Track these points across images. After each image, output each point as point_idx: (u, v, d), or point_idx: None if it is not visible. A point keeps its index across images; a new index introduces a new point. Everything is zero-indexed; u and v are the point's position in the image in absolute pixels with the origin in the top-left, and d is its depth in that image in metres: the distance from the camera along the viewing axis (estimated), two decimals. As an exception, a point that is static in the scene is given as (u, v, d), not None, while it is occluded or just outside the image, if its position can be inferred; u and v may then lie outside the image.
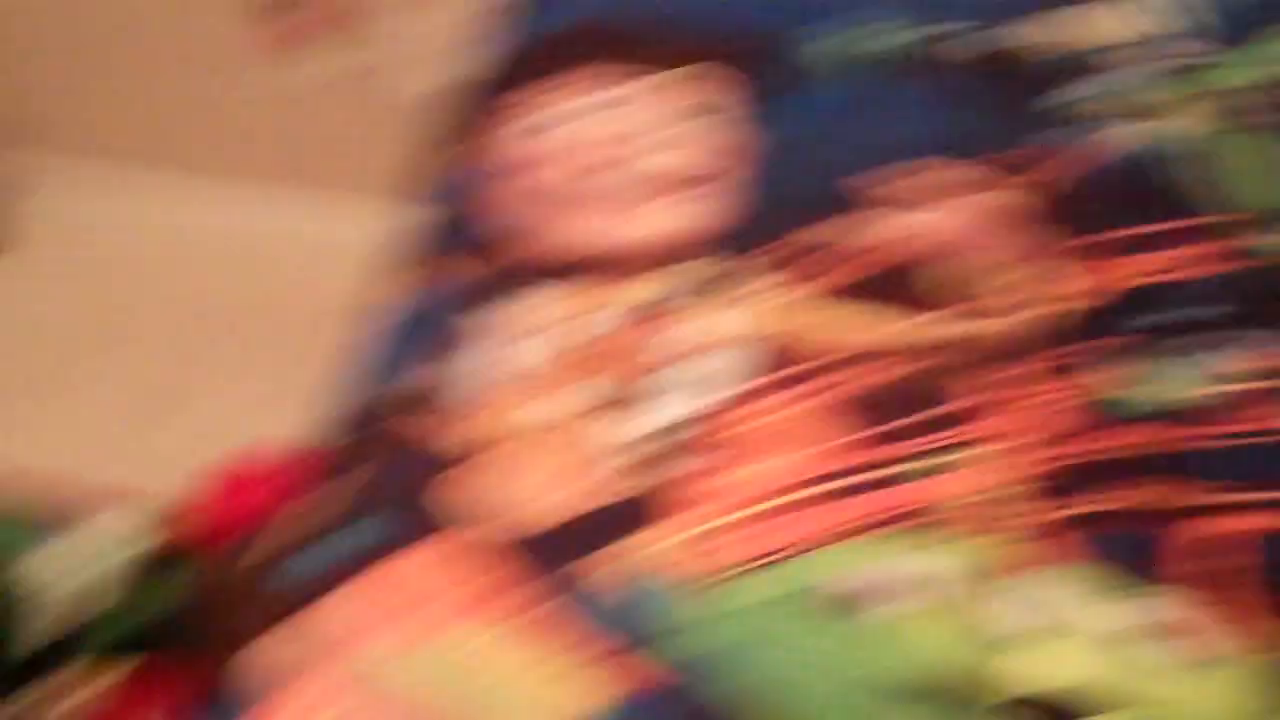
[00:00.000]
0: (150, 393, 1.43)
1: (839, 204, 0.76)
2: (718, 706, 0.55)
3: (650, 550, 0.61)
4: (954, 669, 0.56)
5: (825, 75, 0.88)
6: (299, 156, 1.77)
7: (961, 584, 0.59)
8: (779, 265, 0.74)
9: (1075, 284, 0.71)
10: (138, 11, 1.73)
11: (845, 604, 0.59)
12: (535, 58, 0.91)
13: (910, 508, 0.61)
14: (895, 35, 0.90)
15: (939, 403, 0.65)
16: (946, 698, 0.55)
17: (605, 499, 0.64)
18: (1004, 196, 0.77)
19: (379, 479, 0.69)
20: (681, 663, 0.57)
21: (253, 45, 1.69)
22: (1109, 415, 0.64)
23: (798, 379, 0.68)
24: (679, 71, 0.88)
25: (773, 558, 0.61)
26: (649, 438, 0.67)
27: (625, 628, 0.58)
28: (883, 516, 0.61)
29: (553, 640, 0.57)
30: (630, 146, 0.84)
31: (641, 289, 0.75)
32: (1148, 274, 0.71)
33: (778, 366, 0.68)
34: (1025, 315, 0.70)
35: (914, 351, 0.70)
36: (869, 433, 0.64)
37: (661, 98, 0.87)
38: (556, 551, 0.61)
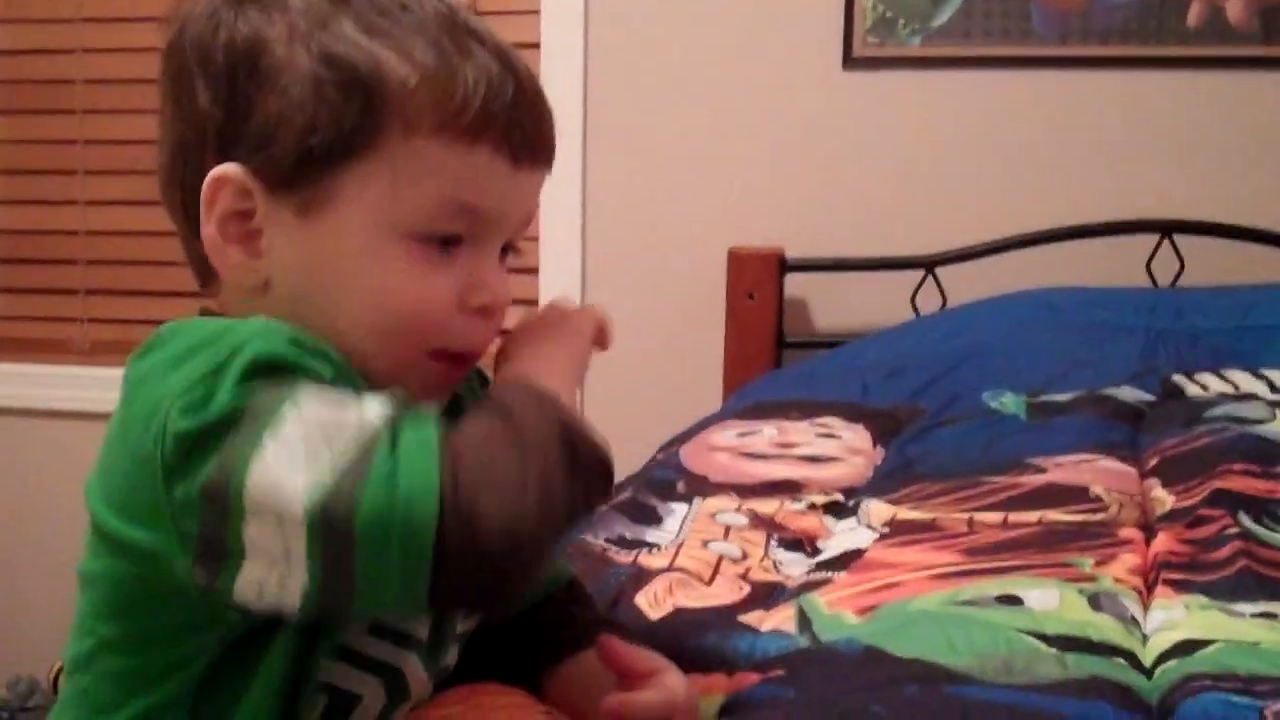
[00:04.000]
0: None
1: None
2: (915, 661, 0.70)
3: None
4: (1095, 629, 0.73)
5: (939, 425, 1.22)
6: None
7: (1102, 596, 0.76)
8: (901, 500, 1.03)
9: (1162, 500, 0.97)
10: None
11: (1011, 601, 0.75)
12: (748, 409, 1.36)
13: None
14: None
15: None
16: (1093, 645, 0.71)
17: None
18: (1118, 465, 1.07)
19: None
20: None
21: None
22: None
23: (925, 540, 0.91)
24: (824, 419, 1.26)
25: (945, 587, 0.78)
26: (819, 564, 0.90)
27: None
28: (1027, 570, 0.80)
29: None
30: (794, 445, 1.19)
31: (805, 499, 1.04)
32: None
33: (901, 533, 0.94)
34: (1124, 512, 0.96)
35: (1047, 524, 0.90)
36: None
37: (815, 429, 1.24)
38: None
